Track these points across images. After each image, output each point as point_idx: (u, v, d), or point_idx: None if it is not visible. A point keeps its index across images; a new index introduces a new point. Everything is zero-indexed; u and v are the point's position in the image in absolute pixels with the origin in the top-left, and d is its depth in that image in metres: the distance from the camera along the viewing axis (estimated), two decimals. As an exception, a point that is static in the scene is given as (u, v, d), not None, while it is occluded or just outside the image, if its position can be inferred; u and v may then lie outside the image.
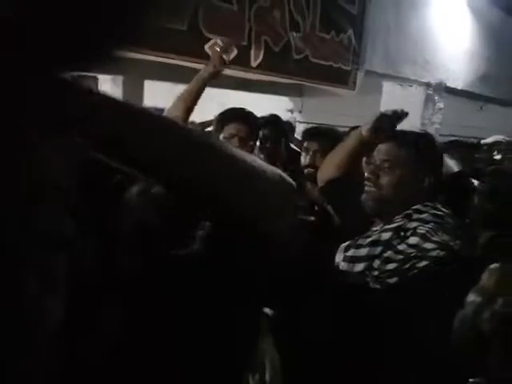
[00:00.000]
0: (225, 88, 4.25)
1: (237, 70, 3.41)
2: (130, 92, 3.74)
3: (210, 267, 0.58)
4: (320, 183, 1.69)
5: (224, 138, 1.98)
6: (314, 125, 5.70)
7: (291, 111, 6.29)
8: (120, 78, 3.73)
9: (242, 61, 3.39)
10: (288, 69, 3.76)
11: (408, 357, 1.00)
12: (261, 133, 2.84)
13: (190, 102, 1.90)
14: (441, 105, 5.48)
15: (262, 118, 2.90)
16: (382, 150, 1.39)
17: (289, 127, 3.06)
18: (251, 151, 2.03)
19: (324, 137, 2.22)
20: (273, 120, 2.93)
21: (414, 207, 1.29)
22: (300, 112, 6.22)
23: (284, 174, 0.56)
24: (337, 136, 2.26)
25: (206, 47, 3.17)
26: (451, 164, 2.66)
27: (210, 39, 3.20)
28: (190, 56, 3.05)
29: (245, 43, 3.40)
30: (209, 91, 4.46)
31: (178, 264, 0.68)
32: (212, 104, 4.00)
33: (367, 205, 1.39)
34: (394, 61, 4.97)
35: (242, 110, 2.11)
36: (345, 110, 5.05)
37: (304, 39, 3.86)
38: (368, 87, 4.80)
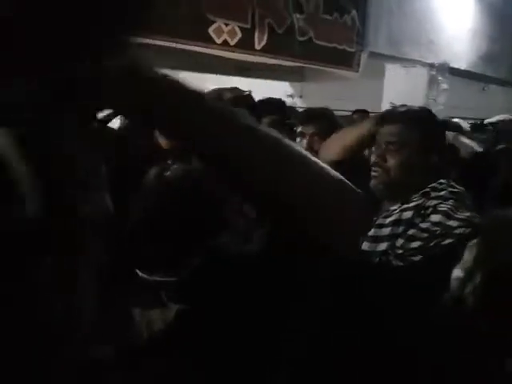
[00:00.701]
0: (224, 74, 4.21)
1: (241, 53, 3.38)
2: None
3: (271, 269, 0.56)
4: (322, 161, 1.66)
5: None
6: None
7: (291, 96, 6.25)
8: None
9: (245, 44, 3.36)
10: (292, 51, 3.73)
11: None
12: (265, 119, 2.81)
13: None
14: (444, 86, 5.44)
15: (263, 101, 2.86)
16: (385, 133, 1.37)
17: (290, 111, 3.02)
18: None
19: (320, 119, 2.17)
20: (267, 102, 2.89)
21: (431, 185, 1.28)
22: (300, 97, 6.18)
23: (353, 187, 0.54)
24: (333, 118, 2.22)
25: (210, 30, 3.14)
26: (472, 144, 2.63)
27: (213, 22, 3.17)
28: (194, 40, 3.02)
29: (248, 26, 3.36)
30: (208, 76, 4.44)
31: (237, 261, 0.65)
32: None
33: (377, 189, 1.36)
34: (397, 42, 4.92)
35: (241, 92, 2.08)
36: (346, 94, 5.02)
37: (308, 21, 3.81)
38: (370, 70, 4.77)
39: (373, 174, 1.36)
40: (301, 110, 6.18)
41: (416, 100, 5.31)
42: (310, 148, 2.05)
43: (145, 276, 0.85)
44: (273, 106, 2.35)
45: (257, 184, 0.47)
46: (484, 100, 6.42)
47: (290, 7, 3.67)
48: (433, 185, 1.28)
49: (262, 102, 2.31)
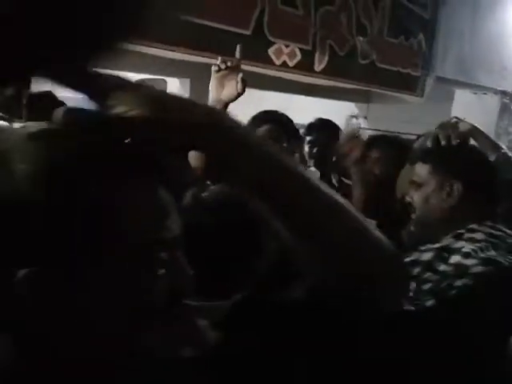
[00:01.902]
0: (287, 92, 4.23)
1: (300, 75, 3.38)
2: (196, 95, 3.82)
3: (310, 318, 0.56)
4: None
5: None
6: (379, 132, 5.57)
7: (356, 117, 6.16)
8: (187, 81, 3.81)
9: (305, 65, 3.36)
10: (353, 74, 3.68)
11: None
12: (308, 138, 2.78)
13: None
14: (518, 114, 5.14)
15: (310, 123, 2.84)
16: (411, 171, 1.38)
17: (336, 129, 2.95)
18: (288, 153, 1.98)
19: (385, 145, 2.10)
20: (319, 124, 2.86)
21: (470, 226, 1.17)
22: (365, 118, 6.08)
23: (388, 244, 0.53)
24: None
25: (270, 51, 3.18)
26: None
27: (273, 43, 3.21)
28: (253, 60, 3.06)
29: (309, 48, 3.36)
30: (269, 95, 4.48)
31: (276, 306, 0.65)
32: (271, 107, 3.99)
33: (411, 233, 1.32)
34: (467, 67, 4.72)
35: (273, 111, 2.06)
36: (413, 118, 4.87)
37: (371, 43, 3.75)
38: (439, 94, 4.60)
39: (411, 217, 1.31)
40: (369, 132, 6.10)
41: (486, 127, 5.04)
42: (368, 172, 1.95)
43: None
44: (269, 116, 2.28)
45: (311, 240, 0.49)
46: None
47: (354, 29, 3.64)
48: (471, 226, 1.18)
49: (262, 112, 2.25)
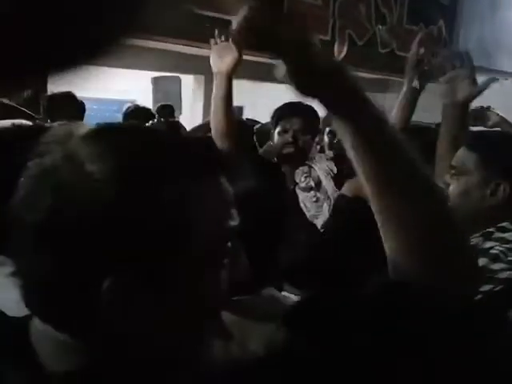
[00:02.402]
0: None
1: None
2: (211, 91, 3.83)
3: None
4: None
5: (278, 133, 1.89)
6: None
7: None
8: (202, 77, 3.83)
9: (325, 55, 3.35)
10: (373, 63, 3.65)
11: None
12: (328, 129, 2.76)
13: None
14: (542, 99, 5.03)
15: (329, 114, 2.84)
16: (455, 155, 1.22)
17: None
18: (309, 146, 1.95)
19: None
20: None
21: (500, 225, 1.08)
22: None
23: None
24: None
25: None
26: None
27: (292, 35, 3.20)
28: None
29: (328, 38, 3.34)
30: (283, 87, 4.45)
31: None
32: (286, 100, 3.96)
33: None
34: (489, 52, 4.63)
35: (297, 103, 2.01)
36: (432, 105, 4.81)
37: (390, 32, 3.72)
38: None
39: None
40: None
41: (507, 114, 4.97)
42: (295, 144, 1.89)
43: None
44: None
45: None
46: None
47: (373, 18, 3.61)
48: (503, 224, 1.08)
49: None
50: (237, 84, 2.43)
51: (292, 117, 1.90)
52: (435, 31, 4.14)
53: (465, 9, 4.32)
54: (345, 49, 3.43)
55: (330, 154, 2.15)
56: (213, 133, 1.78)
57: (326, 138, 2.87)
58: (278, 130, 1.86)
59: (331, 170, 1.92)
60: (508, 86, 5.00)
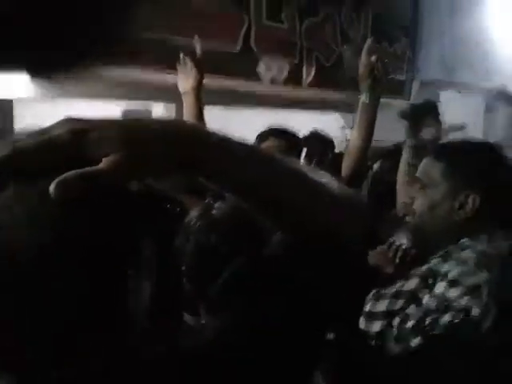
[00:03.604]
0: (277, 107, 4.24)
1: (289, 89, 3.39)
2: (182, 118, 3.80)
3: (289, 270, 0.63)
4: None
5: None
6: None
7: (343, 127, 6.21)
8: (173, 106, 3.79)
9: (294, 79, 3.37)
10: (341, 84, 3.70)
11: None
12: (305, 151, 2.78)
13: None
14: (503, 110, 5.22)
15: (306, 136, 2.87)
16: (419, 167, 1.12)
17: (331, 143, 3.01)
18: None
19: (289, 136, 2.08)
20: (315, 137, 2.89)
21: (460, 241, 1.00)
22: (351, 128, 6.12)
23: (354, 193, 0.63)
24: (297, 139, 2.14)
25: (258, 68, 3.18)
26: None
27: (261, 59, 3.21)
28: (242, 78, 3.06)
29: (296, 61, 3.37)
30: (257, 112, 4.48)
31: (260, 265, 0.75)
32: (261, 125, 3.99)
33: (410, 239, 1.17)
34: (451, 68, 4.79)
35: (279, 128, 2.09)
36: (400, 123, 4.91)
37: (356, 52, 3.78)
38: (424, 97, 4.65)
39: (407, 220, 1.12)
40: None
41: (473, 126, 5.14)
42: None
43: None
44: None
45: (292, 219, 0.54)
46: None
47: (339, 40, 3.67)
48: (463, 240, 0.99)
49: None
50: (208, 109, 2.43)
51: (274, 139, 1.96)
52: (398, 49, 4.24)
53: (425, 27, 4.46)
54: (313, 71, 3.46)
55: None
56: None
57: (303, 160, 2.87)
58: None
59: None
60: (471, 100, 5.16)
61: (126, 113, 4.83)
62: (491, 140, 5.08)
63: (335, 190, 0.59)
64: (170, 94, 3.20)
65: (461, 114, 5.17)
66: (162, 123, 0.45)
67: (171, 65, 2.65)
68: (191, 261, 1.01)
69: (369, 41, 2.00)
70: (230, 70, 2.98)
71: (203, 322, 0.97)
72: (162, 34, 2.57)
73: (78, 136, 0.39)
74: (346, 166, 2.04)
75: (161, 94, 3.22)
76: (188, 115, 1.93)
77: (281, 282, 0.60)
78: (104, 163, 0.40)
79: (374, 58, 1.87)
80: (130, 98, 4.26)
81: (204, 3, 2.74)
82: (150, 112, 4.34)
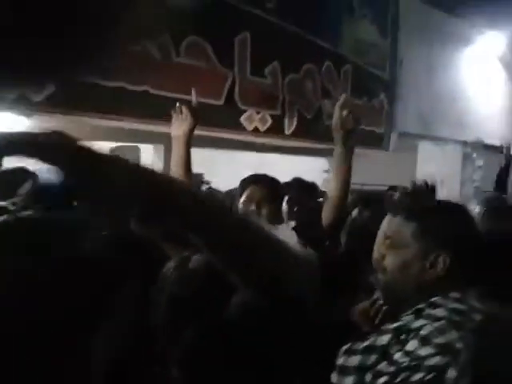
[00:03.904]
0: (261, 152, 4.41)
1: (271, 139, 3.57)
2: (170, 160, 3.95)
3: (249, 329, 0.66)
4: None
5: (242, 202, 2.00)
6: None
7: (327, 171, 6.39)
8: (161, 147, 3.95)
9: (276, 129, 3.56)
10: (321, 134, 3.89)
11: None
12: (287, 197, 2.82)
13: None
14: (480, 162, 5.44)
15: (288, 182, 2.88)
16: (385, 223, 1.13)
17: (313, 188, 3.05)
18: (274, 214, 2.03)
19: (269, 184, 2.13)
20: (297, 183, 2.93)
21: (432, 300, 1.00)
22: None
23: (303, 251, 0.67)
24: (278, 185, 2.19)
25: (242, 119, 3.37)
26: None
27: (245, 111, 3.41)
28: (226, 127, 3.24)
29: (278, 113, 3.57)
30: (245, 155, 4.65)
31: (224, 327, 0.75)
32: (246, 166, 4.14)
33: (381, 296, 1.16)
34: (428, 121, 5.04)
35: (261, 174, 2.13)
36: (381, 170, 5.11)
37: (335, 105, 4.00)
38: (404, 147, 4.87)
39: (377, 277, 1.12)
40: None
41: (451, 176, 5.35)
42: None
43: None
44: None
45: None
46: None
47: (319, 94, 3.89)
48: (434, 299, 1.00)
49: None
50: (197, 152, 2.56)
51: (256, 186, 2.00)
52: (377, 104, 4.49)
53: (403, 83, 4.72)
54: (295, 122, 3.65)
55: (291, 223, 2.19)
56: None
57: (285, 207, 2.91)
58: (242, 199, 1.97)
59: (293, 240, 1.96)
60: (448, 151, 5.40)
61: (114, 150, 4.97)
62: (469, 187, 5.27)
63: (292, 250, 0.63)
64: (158, 137, 3.38)
65: (439, 165, 5.40)
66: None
67: (155, 115, 2.84)
68: (163, 312, 1.04)
69: (343, 96, 2.11)
70: (214, 120, 3.16)
71: (174, 375, 0.97)
72: (144, 87, 2.75)
73: None
74: (325, 216, 2.08)
75: (150, 137, 3.38)
76: (176, 157, 2.04)
77: (240, 343, 0.64)
78: None
79: (345, 112, 1.97)
80: (118, 141, 4.43)
81: (189, 59, 2.95)
82: (139, 149, 4.48)
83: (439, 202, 1.24)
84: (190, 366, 0.91)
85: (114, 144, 4.93)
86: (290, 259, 0.62)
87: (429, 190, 1.20)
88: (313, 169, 5.03)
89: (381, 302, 1.29)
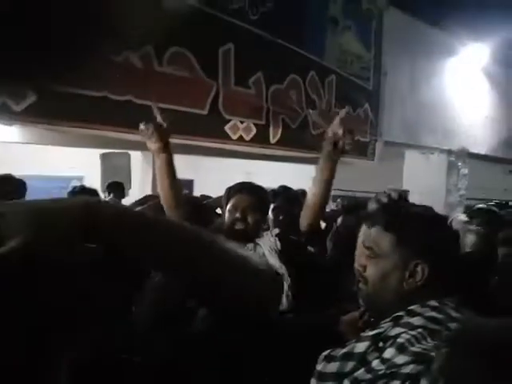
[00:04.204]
0: (249, 159, 4.44)
1: (256, 147, 3.60)
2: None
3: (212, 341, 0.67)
4: None
5: (228, 210, 2.01)
6: (339, 190, 5.83)
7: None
8: (150, 154, 3.97)
9: (260, 138, 3.59)
10: (306, 143, 3.94)
11: None
12: (273, 205, 2.83)
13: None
14: (465, 171, 5.51)
15: (275, 190, 2.90)
16: (365, 234, 1.15)
17: (299, 196, 3.07)
18: (259, 223, 2.04)
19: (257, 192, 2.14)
20: (283, 192, 2.94)
21: (410, 308, 1.02)
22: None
23: (265, 264, 0.66)
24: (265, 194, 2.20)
25: (227, 128, 3.41)
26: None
27: (230, 120, 3.45)
28: (211, 137, 3.27)
29: (263, 122, 3.61)
30: (235, 162, 4.67)
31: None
32: (237, 173, 4.16)
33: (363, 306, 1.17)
34: (412, 130, 5.11)
35: (246, 183, 2.13)
36: (368, 177, 5.16)
37: (321, 115, 4.06)
38: (391, 155, 4.93)
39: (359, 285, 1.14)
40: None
41: (436, 184, 5.41)
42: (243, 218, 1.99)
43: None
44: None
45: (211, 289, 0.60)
46: (510, 182, 6.40)
47: (304, 104, 3.94)
48: (413, 307, 1.02)
49: None
50: (187, 159, 2.54)
51: (242, 195, 2.00)
52: (362, 113, 4.55)
53: (387, 92, 4.80)
54: (279, 132, 3.69)
55: (275, 231, 2.20)
56: (163, 204, 1.90)
57: (270, 215, 2.92)
58: (228, 207, 1.97)
59: (276, 247, 1.98)
60: (434, 160, 5.46)
61: (104, 156, 4.99)
62: (455, 195, 5.32)
63: (249, 262, 0.62)
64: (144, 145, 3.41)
65: (424, 173, 5.47)
66: (59, 207, 0.53)
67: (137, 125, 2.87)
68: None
69: (342, 112, 2.08)
70: (199, 129, 3.20)
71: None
72: (128, 97, 2.78)
73: None
74: (303, 221, 2.11)
75: (138, 144, 3.40)
76: (159, 168, 2.06)
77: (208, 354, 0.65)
78: (13, 242, 0.46)
79: (340, 131, 1.96)
80: (106, 148, 4.44)
81: (174, 69, 2.99)
82: (129, 155, 4.49)
83: (415, 211, 1.25)
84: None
85: (104, 150, 4.95)
86: (249, 271, 0.63)
87: (402, 199, 1.20)
88: (302, 175, 5.06)
89: (367, 315, 1.29)
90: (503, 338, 0.68)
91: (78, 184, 4.53)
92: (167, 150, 2.05)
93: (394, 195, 2.17)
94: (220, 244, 0.61)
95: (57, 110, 2.42)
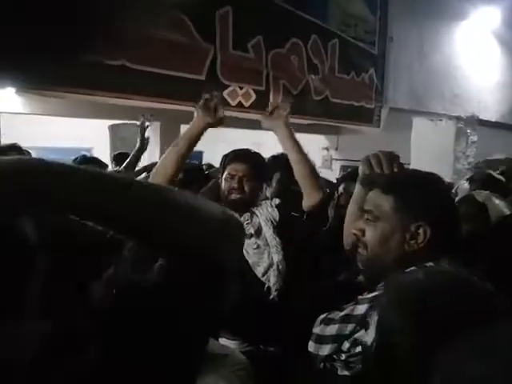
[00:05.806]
0: (259, 129, 4.37)
1: (255, 114, 3.53)
2: (166, 137, 3.94)
3: (167, 294, 0.65)
4: None
5: (224, 178, 1.95)
6: (347, 160, 5.74)
7: (327, 149, 6.37)
8: (157, 124, 3.95)
9: (260, 105, 3.52)
10: (308, 110, 3.85)
11: None
12: (277, 176, 2.75)
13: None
14: (474, 138, 5.38)
15: (274, 156, 2.82)
16: (362, 197, 1.15)
17: None
18: (255, 192, 1.97)
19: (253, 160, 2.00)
20: (285, 159, 2.87)
21: (408, 269, 1.00)
22: (336, 149, 6.28)
23: (226, 210, 0.65)
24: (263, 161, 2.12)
25: (225, 94, 3.34)
26: (501, 206, 2.05)
27: (228, 86, 3.37)
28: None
29: (262, 88, 3.53)
30: (243, 132, 4.59)
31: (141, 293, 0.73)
32: (246, 144, 4.09)
33: (362, 273, 1.14)
34: (420, 97, 4.97)
35: (244, 150, 2.05)
36: (377, 146, 5.06)
37: (323, 81, 3.96)
38: (398, 123, 4.82)
39: (358, 252, 1.11)
40: (339, 162, 6.19)
41: (444, 152, 5.30)
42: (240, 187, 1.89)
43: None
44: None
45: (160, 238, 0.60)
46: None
47: (305, 69, 3.84)
48: (411, 268, 1.00)
49: None
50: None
51: (238, 163, 1.93)
52: (366, 79, 4.43)
53: (393, 57, 4.66)
54: (280, 98, 3.61)
55: (275, 201, 2.14)
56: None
57: (273, 185, 2.85)
58: (224, 175, 1.92)
59: (273, 218, 1.92)
60: (442, 126, 5.34)
61: (113, 127, 4.98)
62: (463, 162, 5.21)
63: (205, 210, 0.62)
64: (155, 113, 3.38)
65: (432, 140, 5.34)
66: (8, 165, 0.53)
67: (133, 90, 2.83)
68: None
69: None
70: (196, 96, 3.13)
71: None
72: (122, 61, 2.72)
73: None
74: (304, 202, 1.99)
75: (147, 112, 3.38)
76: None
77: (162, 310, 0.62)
78: None
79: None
80: (112, 118, 4.42)
81: (169, 33, 2.91)
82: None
83: (413, 173, 1.25)
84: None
85: (111, 122, 4.93)
86: (206, 221, 0.62)
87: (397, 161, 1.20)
88: (313, 146, 4.98)
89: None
90: (425, 288, 0.72)
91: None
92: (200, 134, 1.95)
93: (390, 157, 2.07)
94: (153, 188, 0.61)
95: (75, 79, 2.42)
